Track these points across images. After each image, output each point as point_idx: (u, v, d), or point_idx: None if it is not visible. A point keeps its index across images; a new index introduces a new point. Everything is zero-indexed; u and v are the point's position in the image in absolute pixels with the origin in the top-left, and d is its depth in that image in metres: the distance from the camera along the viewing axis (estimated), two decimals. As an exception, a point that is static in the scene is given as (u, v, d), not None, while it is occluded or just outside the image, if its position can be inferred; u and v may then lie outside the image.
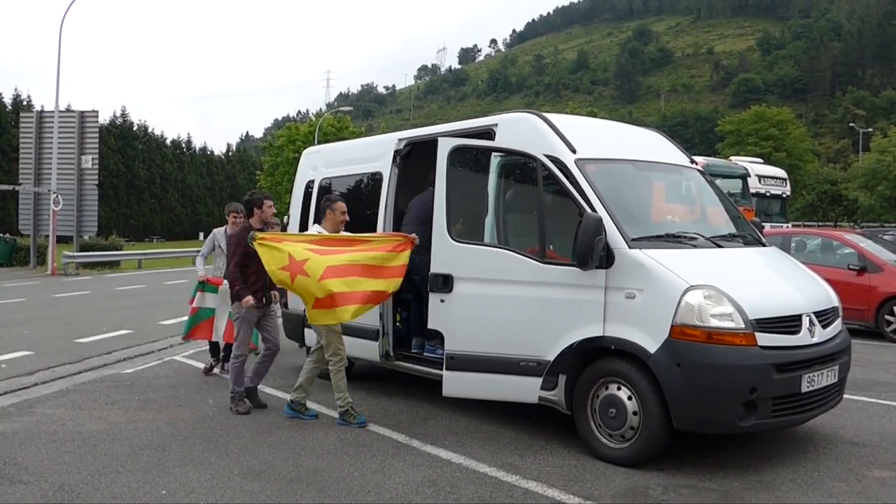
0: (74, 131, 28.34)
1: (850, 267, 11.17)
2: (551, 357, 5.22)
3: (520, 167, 5.84)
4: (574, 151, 5.46)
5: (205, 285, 8.03)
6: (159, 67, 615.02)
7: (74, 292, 18.62)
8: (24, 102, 62.42)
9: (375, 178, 7.26)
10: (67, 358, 9.08)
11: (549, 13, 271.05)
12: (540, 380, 5.30)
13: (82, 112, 29.28)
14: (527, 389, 5.37)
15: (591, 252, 4.86)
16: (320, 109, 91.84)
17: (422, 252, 6.12)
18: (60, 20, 26.61)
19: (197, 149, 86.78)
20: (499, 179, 5.80)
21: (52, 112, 27.95)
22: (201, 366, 8.42)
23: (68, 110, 31.17)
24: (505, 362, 5.38)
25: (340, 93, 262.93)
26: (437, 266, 5.65)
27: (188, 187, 79.34)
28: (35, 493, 4.47)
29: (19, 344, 10.06)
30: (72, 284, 21.27)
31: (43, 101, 69.22)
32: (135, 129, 76.18)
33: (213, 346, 8.30)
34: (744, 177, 20.00)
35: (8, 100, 62.93)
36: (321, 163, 8.27)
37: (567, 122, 5.94)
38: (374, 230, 6.96)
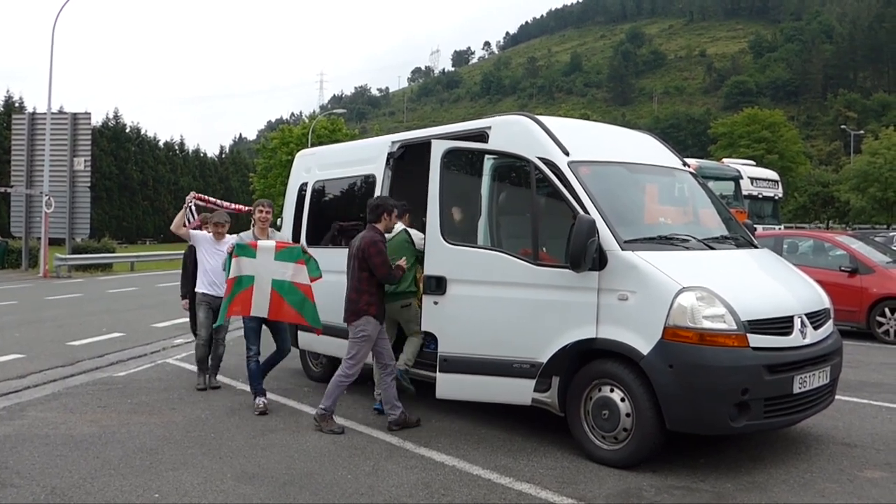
0: (67, 133, 28.23)
1: (842, 269, 11.21)
2: (545, 359, 5.23)
3: (513, 169, 5.85)
4: (567, 154, 5.47)
5: (242, 248, 6.61)
6: (152, 69, 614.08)
7: (66, 295, 18.54)
8: (16, 104, 62.12)
9: (369, 181, 7.26)
10: (59, 361, 9.05)
11: (542, 16, 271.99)
12: (533, 382, 5.30)
13: (74, 114, 29.19)
14: (520, 391, 5.37)
15: (584, 254, 4.88)
16: (313, 112, 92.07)
17: None
18: (53, 21, 26.55)
19: (190, 151, 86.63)
20: (492, 182, 5.81)
21: (45, 114, 27.87)
22: (194, 369, 8.37)
23: (60, 112, 31.13)
24: (498, 364, 5.38)
25: (334, 95, 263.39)
26: (430, 268, 5.65)
27: (181, 189, 78.84)
28: (27, 497, 4.45)
29: (11, 347, 10.01)
30: (64, 287, 21.18)
31: (35, 103, 68.78)
32: (127, 130, 75.93)
33: (201, 360, 7.71)
34: (736, 179, 20.08)
35: (-1, 101, 62.70)
36: (315, 165, 8.27)
37: (560, 125, 5.96)
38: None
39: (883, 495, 4.52)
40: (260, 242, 6.66)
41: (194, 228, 7.94)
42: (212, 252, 7.53)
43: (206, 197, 8.49)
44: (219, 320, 6.98)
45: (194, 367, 8.39)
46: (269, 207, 7.08)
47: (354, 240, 6.14)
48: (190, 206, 8.02)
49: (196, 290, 7.62)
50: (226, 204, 8.67)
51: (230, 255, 6.64)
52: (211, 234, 7.68)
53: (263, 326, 6.90)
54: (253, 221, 7.07)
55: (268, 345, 6.95)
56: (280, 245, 6.67)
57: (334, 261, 6.90)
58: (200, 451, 5.43)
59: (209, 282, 7.49)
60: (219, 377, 7.84)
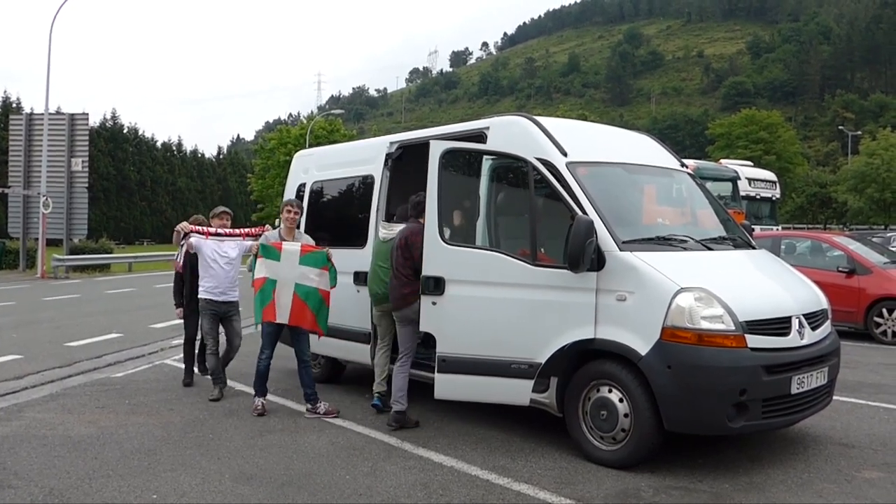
0: (64, 134, 28.23)
1: (840, 269, 11.22)
2: (543, 359, 5.23)
3: (511, 170, 5.85)
4: (565, 154, 5.47)
5: (266, 249, 6.44)
6: (150, 70, 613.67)
7: (64, 295, 18.52)
8: (14, 105, 62.11)
9: (367, 182, 7.25)
10: (57, 362, 9.03)
11: (540, 16, 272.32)
12: (531, 382, 5.30)
13: (72, 114, 29.19)
14: (518, 392, 5.37)
15: (582, 254, 4.87)
16: (311, 112, 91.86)
17: None
18: (51, 22, 26.53)
19: (188, 151, 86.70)
20: (490, 182, 5.81)
21: (42, 114, 27.82)
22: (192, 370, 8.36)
23: (58, 113, 31.08)
24: (496, 365, 5.38)
25: (332, 95, 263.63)
26: (428, 269, 5.65)
27: (179, 190, 79.08)
28: (24, 498, 4.45)
29: (8, 348, 9.99)
30: (61, 288, 21.16)
31: (33, 104, 69.07)
32: (125, 131, 75.96)
33: (188, 352, 7.95)
34: (734, 180, 20.09)
35: (-3, 102, 62.61)
36: (313, 166, 8.26)
37: (558, 126, 5.96)
38: (366, 233, 6.96)
39: (880, 495, 4.53)
40: (284, 245, 6.44)
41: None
42: (215, 257, 7.12)
43: (206, 228, 7.24)
44: (255, 319, 6.58)
45: (193, 368, 8.37)
46: (297, 208, 6.82)
47: (398, 233, 6.24)
48: (182, 244, 7.20)
49: (199, 296, 7.24)
50: (230, 231, 7.33)
51: (255, 256, 6.51)
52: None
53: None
54: (279, 221, 6.85)
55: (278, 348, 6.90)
56: (306, 249, 6.44)
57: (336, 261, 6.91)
58: (198, 451, 5.42)
59: (213, 288, 7.15)
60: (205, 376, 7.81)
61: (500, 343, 5.39)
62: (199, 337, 7.85)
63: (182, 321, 8.01)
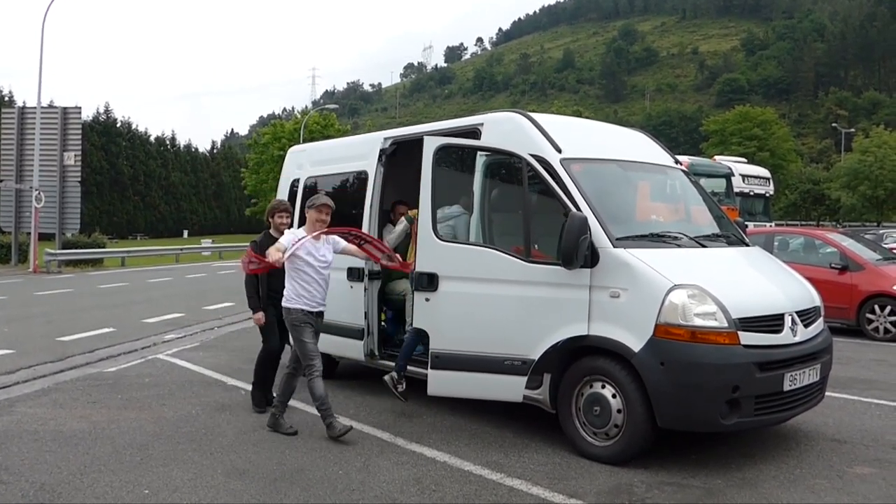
0: (57, 128, 28.09)
1: (832, 266, 11.25)
2: (536, 356, 5.23)
3: (505, 166, 5.84)
4: (559, 151, 5.47)
5: None
6: (143, 64, 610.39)
7: (56, 290, 18.44)
8: (6, 98, 61.79)
9: (361, 177, 7.23)
10: (49, 356, 8.99)
11: (535, 12, 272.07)
12: (525, 378, 5.30)
13: (65, 108, 29.05)
14: (512, 388, 5.38)
15: (575, 251, 4.88)
16: (306, 107, 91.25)
17: None
18: (43, 15, 26.38)
19: (181, 146, 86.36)
20: (484, 178, 5.79)
21: (35, 108, 27.73)
22: (185, 365, 8.33)
23: (51, 106, 30.96)
24: (490, 361, 5.38)
25: (326, 90, 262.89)
26: (422, 265, 5.64)
27: (172, 185, 78.83)
28: (15, 494, 4.43)
29: (0, 342, 9.95)
30: (54, 282, 21.07)
31: (25, 98, 68.79)
32: (118, 125, 75.62)
33: (262, 373, 6.46)
34: (728, 176, 20.15)
35: (-11, 95, 62.30)
36: (306, 161, 8.24)
37: (552, 122, 5.95)
38: (360, 229, 6.93)
39: (871, 491, 4.54)
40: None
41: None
42: (309, 259, 5.68)
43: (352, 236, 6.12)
44: None
45: (185, 363, 8.34)
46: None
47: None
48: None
49: (291, 305, 5.73)
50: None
51: None
52: (303, 232, 5.82)
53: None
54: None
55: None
56: None
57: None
58: (191, 446, 5.41)
59: (311, 298, 5.73)
60: (211, 374, 7.80)
61: (494, 339, 5.38)
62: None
63: (259, 329, 6.57)
